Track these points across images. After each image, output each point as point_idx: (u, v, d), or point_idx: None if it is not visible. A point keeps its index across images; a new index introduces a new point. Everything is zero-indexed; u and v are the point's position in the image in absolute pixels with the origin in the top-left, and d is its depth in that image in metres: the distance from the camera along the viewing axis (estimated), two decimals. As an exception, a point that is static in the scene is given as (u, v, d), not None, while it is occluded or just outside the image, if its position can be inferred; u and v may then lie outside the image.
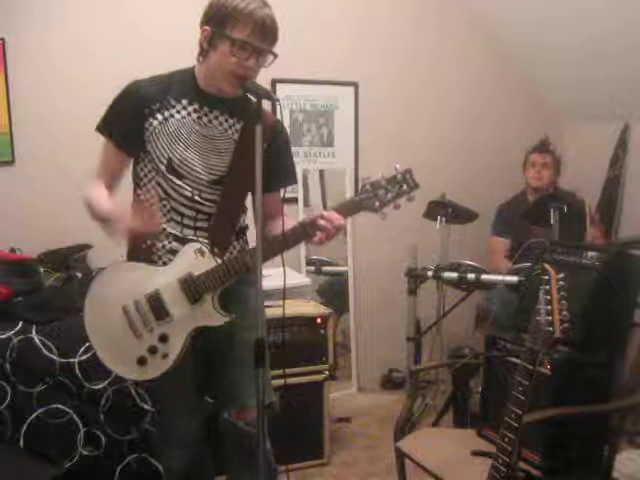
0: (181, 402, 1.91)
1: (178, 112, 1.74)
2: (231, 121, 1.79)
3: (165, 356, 1.75)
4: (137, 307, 1.76)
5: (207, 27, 1.67)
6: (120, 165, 1.82)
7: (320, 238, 1.66)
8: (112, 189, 1.82)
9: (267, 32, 1.65)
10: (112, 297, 1.78)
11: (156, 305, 1.74)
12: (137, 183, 1.83)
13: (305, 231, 1.67)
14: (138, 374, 1.79)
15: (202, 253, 1.74)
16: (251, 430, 1.76)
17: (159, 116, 1.73)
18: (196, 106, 1.75)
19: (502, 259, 3.42)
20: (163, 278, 1.75)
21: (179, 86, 1.76)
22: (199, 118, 1.75)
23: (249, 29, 1.62)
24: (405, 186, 1.63)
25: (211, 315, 1.74)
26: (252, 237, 1.62)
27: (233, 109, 1.78)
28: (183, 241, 1.78)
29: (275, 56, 1.70)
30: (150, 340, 1.75)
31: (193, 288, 1.73)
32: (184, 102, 1.75)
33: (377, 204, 1.64)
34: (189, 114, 1.75)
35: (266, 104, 1.62)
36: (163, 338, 1.75)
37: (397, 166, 1.65)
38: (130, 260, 1.84)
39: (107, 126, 1.78)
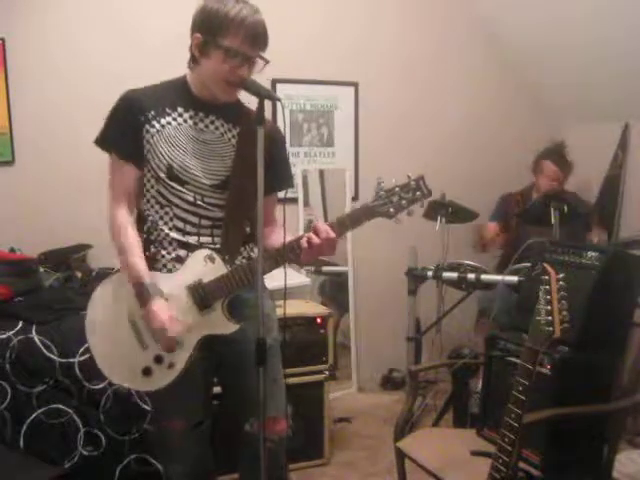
0: (185, 422, 1.86)
1: (174, 119, 1.73)
2: (227, 126, 1.78)
3: (171, 366, 1.72)
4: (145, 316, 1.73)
5: (198, 35, 1.66)
6: (130, 178, 1.76)
7: (305, 253, 1.64)
8: (132, 210, 1.79)
9: (259, 39, 1.65)
10: (117, 306, 1.75)
11: None
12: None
13: (298, 244, 1.66)
14: (143, 385, 1.76)
15: (212, 260, 1.72)
16: (272, 446, 1.77)
17: (156, 124, 1.72)
18: (191, 113, 1.75)
19: (498, 239, 3.50)
20: (171, 285, 1.72)
21: (173, 94, 1.76)
22: (195, 124, 1.75)
23: (241, 37, 1.62)
24: (419, 193, 1.64)
25: (221, 323, 1.72)
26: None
27: (228, 114, 1.78)
28: (187, 247, 1.76)
29: (267, 62, 1.69)
30: (156, 349, 1.73)
31: (202, 295, 1.71)
32: (179, 109, 1.74)
33: (392, 210, 1.64)
34: (185, 121, 1.74)
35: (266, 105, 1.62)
36: None
37: (410, 174, 1.65)
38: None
39: (106, 139, 1.76)
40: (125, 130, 1.72)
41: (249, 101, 1.74)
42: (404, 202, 1.64)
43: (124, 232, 1.74)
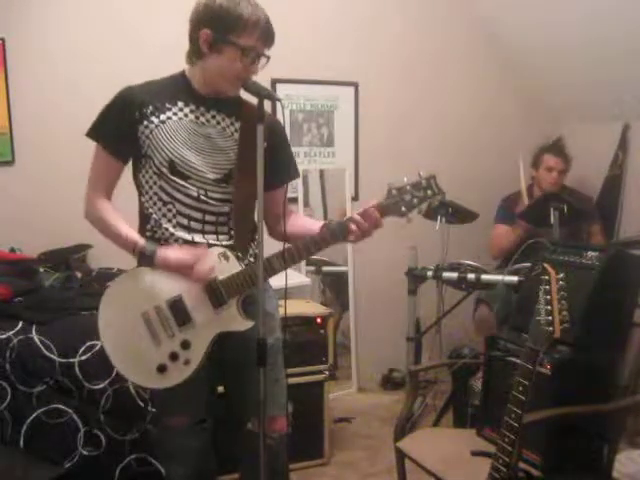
0: (188, 419, 1.87)
1: (175, 114, 1.74)
2: (228, 120, 1.79)
3: (187, 362, 1.72)
4: (158, 313, 1.73)
5: (207, 30, 1.66)
6: (114, 172, 1.78)
7: (357, 236, 1.67)
8: (110, 198, 1.80)
9: (270, 37, 1.69)
10: (130, 304, 1.75)
11: (178, 310, 1.72)
12: (140, 191, 1.81)
13: (335, 235, 1.69)
14: (158, 382, 1.75)
15: (226, 257, 1.72)
16: (273, 444, 1.78)
17: (154, 119, 1.72)
18: (192, 107, 1.75)
19: (506, 237, 3.45)
20: (185, 283, 1.72)
21: (172, 89, 1.76)
22: (197, 118, 1.75)
23: (256, 36, 1.65)
24: (430, 191, 1.66)
25: (236, 320, 1.72)
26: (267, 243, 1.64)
27: (228, 109, 1.79)
28: (193, 245, 1.75)
29: (268, 59, 1.71)
30: (171, 347, 1.73)
31: (218, 292, 1.71)
32: (180, 104, 1.74)
33: (403, 208, 1.65)
34: (186, 115, 1.74)
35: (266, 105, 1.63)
36: (185, 344, 1.72)
37: (421, 173, 1.67)
38: (141, 266, 1.78)
39: (97, 132, 1.76)
40: (118, 125, 1.73)
41: (250, 100, 1.75)
42: (415, 200, 1.65)
43: (104, 208, 1.76)
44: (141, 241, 1.73)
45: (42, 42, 3.02)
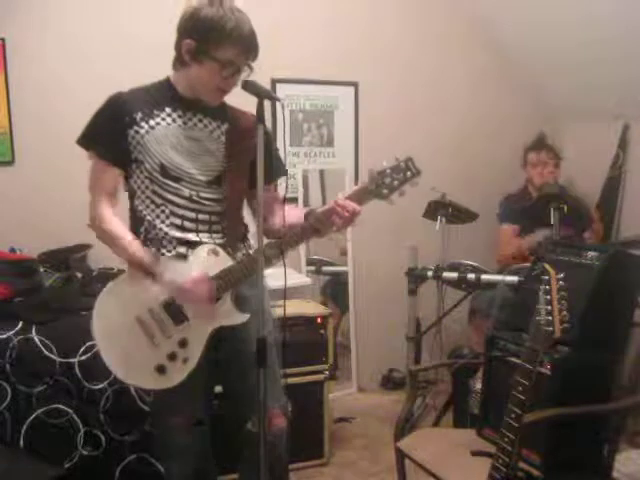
0: (186, 419, 1.87)
1: (163, 119, 1.76)
2: (215, 124, 1.82)
3: (185, 360, 1.73)
4: (153, 315, 1.74)
5: (190, 41, 1.68)
6: (111, 179, 1.78)
7: (338, 226, 1.71)
8: (113, 205, 1.80)
9: (252, 49, 1.70)
10: (123, 310, 1.75)
11: (173, 310, 1.73)
12: (132, 195, 1.82)
13: (320, 224, 1.72)
14: (158, 383, 1.76)
15: (216, 253, 1.75)
16: (272, 439, 1.78)
17: (144, 125, 1.73)
18: (180, 112, 1.78)
19: (516, 241, 3.49)
20: (177, 282, 1.73)
21: (159, 96, 1.78)
22: (184, 123, 1.78)
23: (237, 49, 1.67)
24: (409, 173, 1.73)
25: (231, 314, 1.75)
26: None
27: (214, 113, 1.82)
28: (187, 244, 1.77)
29: (252, 70, 1.73)
30: (169, 347, 1.74)
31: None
32: (168, 110, 1.77)
33: (385, 191, 1.71)
34: (174, 120, 1.77)
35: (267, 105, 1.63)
36: (183, 343, 1.73)
37: (397, 156, 1.74)
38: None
39: (89, 140, 1.77)
40: (110, 131, 1.74)
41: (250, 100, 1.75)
42: (396, 182, 1.72)
43: (109, 220, 1.76)
44: (147, 259, 1.73)
45: (42, 42, 3.02)
